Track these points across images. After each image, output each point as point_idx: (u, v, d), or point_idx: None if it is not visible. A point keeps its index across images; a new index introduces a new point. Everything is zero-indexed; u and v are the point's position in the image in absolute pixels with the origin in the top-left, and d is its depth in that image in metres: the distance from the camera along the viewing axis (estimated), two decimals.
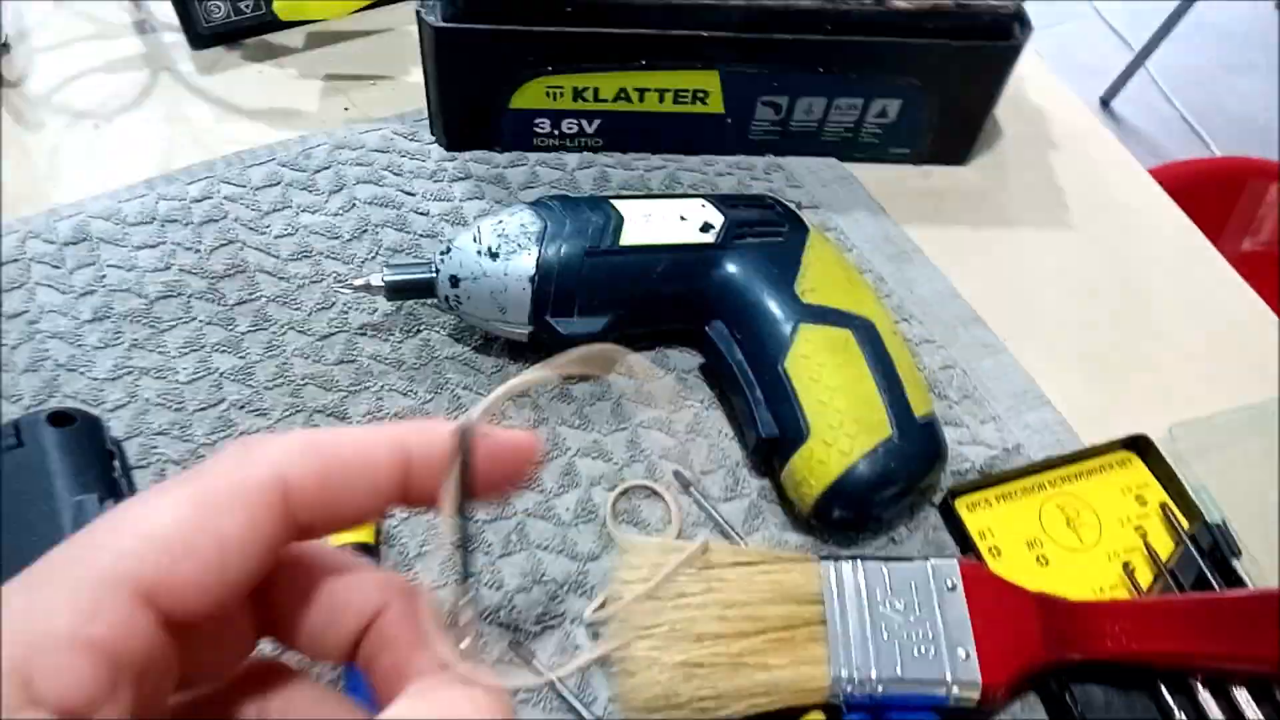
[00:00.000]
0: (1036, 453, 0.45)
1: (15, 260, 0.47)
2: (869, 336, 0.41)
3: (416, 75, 0.54)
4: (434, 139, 0.54)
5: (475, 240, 0.42)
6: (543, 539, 0.40)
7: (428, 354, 0.45)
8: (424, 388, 0.44)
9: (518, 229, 0.42)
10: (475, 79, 0.49)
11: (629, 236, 0.42)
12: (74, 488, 0.37)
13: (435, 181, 0.52)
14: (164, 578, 0.17)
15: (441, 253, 0.43)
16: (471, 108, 0.51)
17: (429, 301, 0.46)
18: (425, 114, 0.54)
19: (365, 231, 0.49)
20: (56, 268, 0.47)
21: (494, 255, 0.41)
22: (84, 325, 0.45)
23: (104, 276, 0.47)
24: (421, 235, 0.49)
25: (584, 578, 0.40)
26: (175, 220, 0.49)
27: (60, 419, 0.38)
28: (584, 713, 0.36)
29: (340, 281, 0.47)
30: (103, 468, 0.38)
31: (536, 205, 0.43)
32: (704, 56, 0.49)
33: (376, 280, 0.43)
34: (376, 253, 0.48)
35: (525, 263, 0.41)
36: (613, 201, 0.43)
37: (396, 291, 0.43)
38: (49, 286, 0.46)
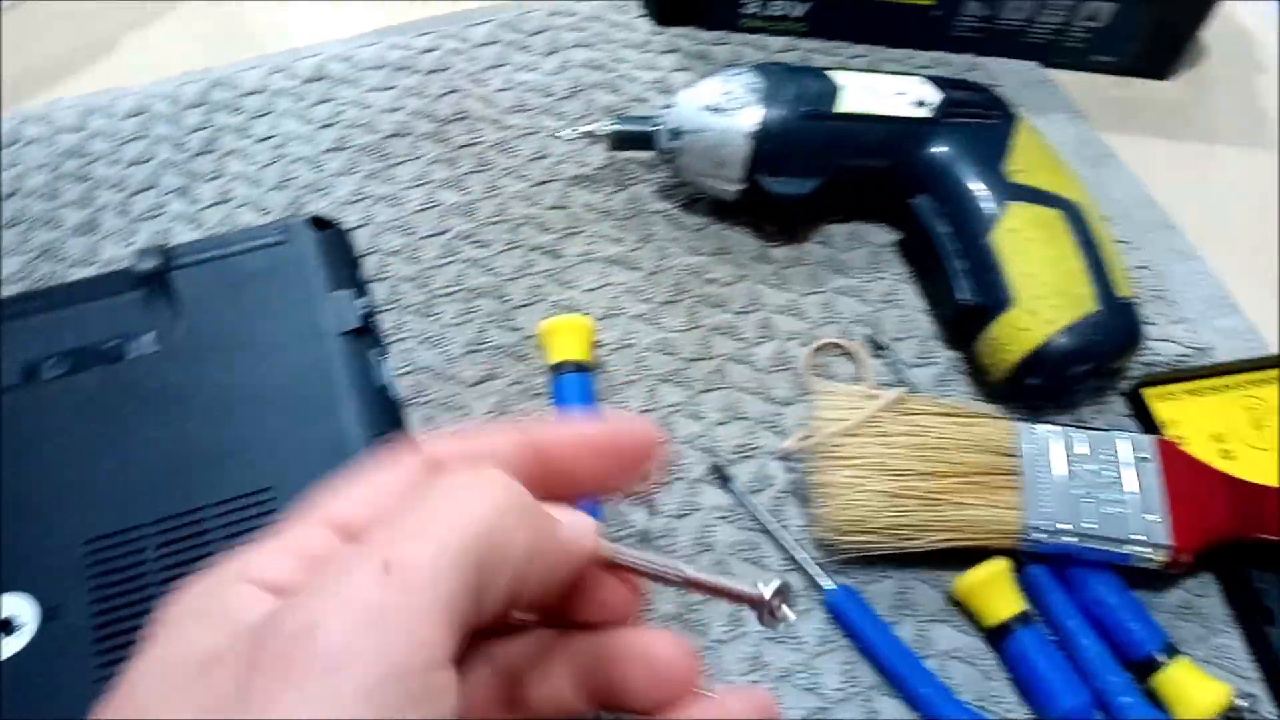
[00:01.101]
0: (1226, 357, 0.45)
1: (261, 91, 0.51)
2: (1075, 218, 0.42)
3: None
4: (643, 13, 0.55)
5: (699, 96, 0.44)
6: (741, 381, 0.43)
7: (636, 207, 0.48)
8: (633, 237, 0.47)
9: (742, 87, 0.43)
10: None
11: (847, 104, 0.43)
12: (330, 284, 0.40)
13: (643, 52, 0.54)
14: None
15: (664, 107, 0.45)
16: None
17: (641, 158, 0.48)
18: None
19: (579, 91, 0.52)
20: (299, 101, 0.51)
21: (717, 110, 0.43)
22: (324, 154, 0.49)
23: (342, 112, 0.50)
24: (631, 100, 0.52)
25: (778, 419, 0.42)
26: (405, 68, 0.52)
27: (319, 223, 0.42)
28: (775, 531, 0.38)
29: (567, 125, 0.49)
30: (353, 270, 0.42)
31: (760, 67, 0.44)
32: None
33: (601, 128, 0.45)
34: (590, 111, 0.51)
35: (746, 120, 0.43)
36: (832, 71, 0.45)
37: (619, 141, 0.45)
38: (293, 116, 0.50)
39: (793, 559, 0.38)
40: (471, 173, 0.49)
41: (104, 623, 0.33)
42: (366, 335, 0.40)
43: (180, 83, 0.51)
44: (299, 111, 0.50)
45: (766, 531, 0.39)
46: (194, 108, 0.50)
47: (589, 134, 0.45)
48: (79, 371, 0.38)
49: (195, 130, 0.49)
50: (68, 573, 0.34)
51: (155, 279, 0.40)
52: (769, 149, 0.43)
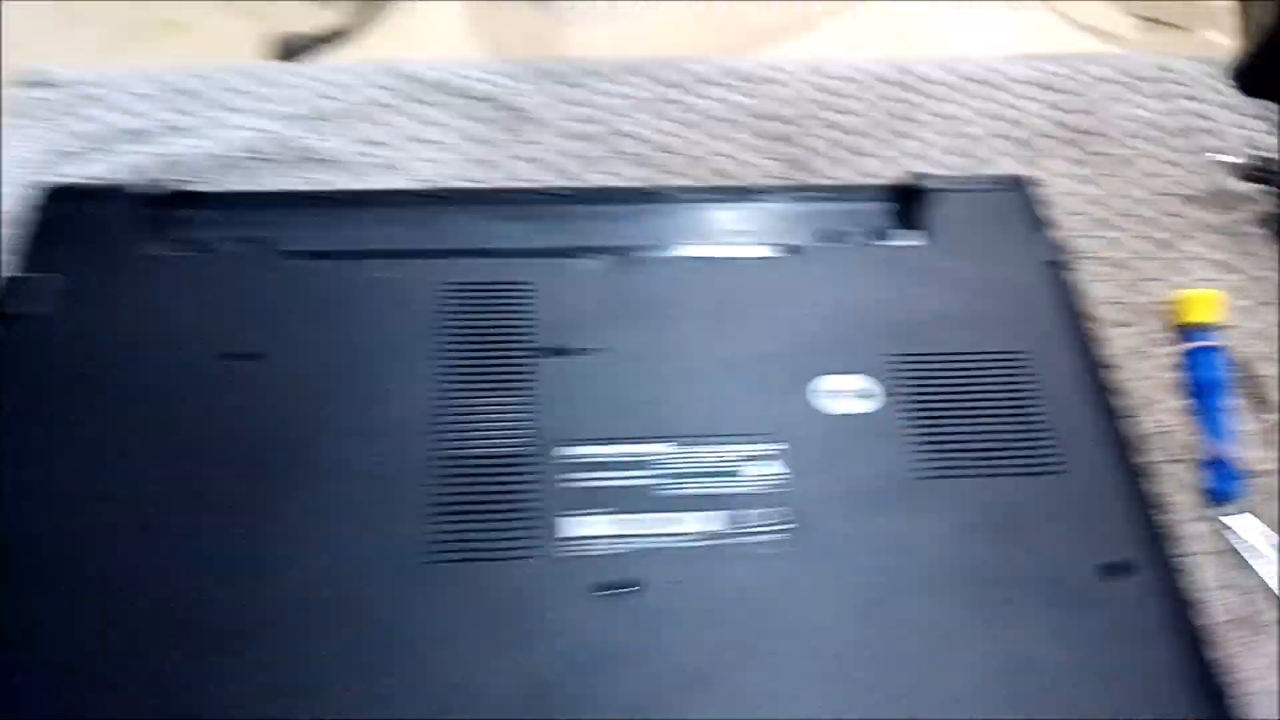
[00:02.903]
0: None
1: (937, 82, 0.67)
2: None
3: (1212, 35, 0.69)
4: (1231, 82, 0.69)
5: None
6: None
7: (1237, 228, 0.61)
8: (1235, 249, 0.60)
9: None
10: None
11: None
12: (1034, 225, 0.55)
13: (1237, 115, 0.67)
14: None
15: None
16: None
17: (1242, 191, 0.61)
18: (1215, 60, 0.69)
19: (1186, 131, 0.66)
20: (961, 94, 0.67)
21: None
22: (988, 136, 0.65)
23: (997, 111, 0.66)
24: (1229, 147, 0.65)
25: None
26: (1049, 86, 0.68)
27: (1020, 181, 0.57)
28: None
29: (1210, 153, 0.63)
30: (1041, 219, 0.57)
31: None
32: None
33: (1237, 158, 0.59)
34: (1194, 147, 0.65)
35: None
36: None
37: (1248, 172, 0.59)
38: (958, 105, 0.66)
39: None
40: (1103, 175, 0.63)
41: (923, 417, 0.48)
42: (1062, 267, 0.55)
43: (876, 62, 0.68)
44: (963, 102, 0.67)
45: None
46: (889, 84, 0.67)
47: (1226, 161, 0.59)
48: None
49: (890, 100, 0.66)
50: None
51: (914, 195, 0.56)
52: None
